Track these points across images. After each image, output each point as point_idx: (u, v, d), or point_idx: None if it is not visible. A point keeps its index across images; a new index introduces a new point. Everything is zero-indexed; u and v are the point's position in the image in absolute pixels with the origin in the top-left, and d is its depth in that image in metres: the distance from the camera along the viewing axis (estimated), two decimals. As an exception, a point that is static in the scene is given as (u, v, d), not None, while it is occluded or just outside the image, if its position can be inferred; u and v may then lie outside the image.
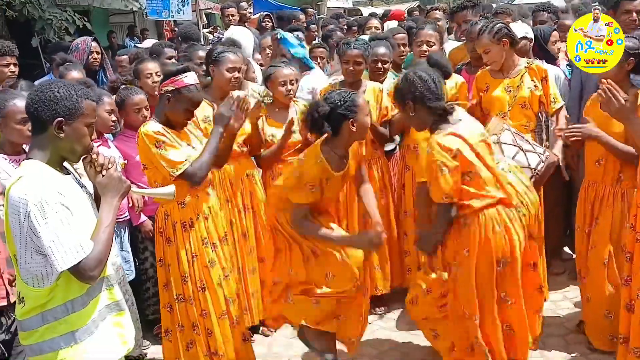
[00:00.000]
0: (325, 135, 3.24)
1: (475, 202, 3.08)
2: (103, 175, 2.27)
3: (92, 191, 2.38)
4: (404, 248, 4.38)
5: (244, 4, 7.35)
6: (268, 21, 7.64)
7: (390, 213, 4.32)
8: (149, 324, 4.19)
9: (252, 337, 4.17)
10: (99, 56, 5.49)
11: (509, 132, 3.79)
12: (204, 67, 4.18)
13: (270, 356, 4.03)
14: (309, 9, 10.35)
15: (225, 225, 3.60)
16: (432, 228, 3.27)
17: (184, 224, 3.32)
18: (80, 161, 2.30)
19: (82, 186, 2.35)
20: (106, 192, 2.26)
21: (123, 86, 4.20)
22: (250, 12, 7.60)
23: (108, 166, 2.28)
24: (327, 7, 17.27)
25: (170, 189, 2.74)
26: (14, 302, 2.49)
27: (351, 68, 4.12)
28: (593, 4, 3.10)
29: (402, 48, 4.78)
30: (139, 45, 8.79)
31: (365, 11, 12.98)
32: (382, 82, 4.38)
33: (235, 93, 3.94)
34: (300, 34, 6.13)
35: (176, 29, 10.16)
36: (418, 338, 3.91)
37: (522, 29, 4.50)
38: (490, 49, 3.98)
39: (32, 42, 8.77)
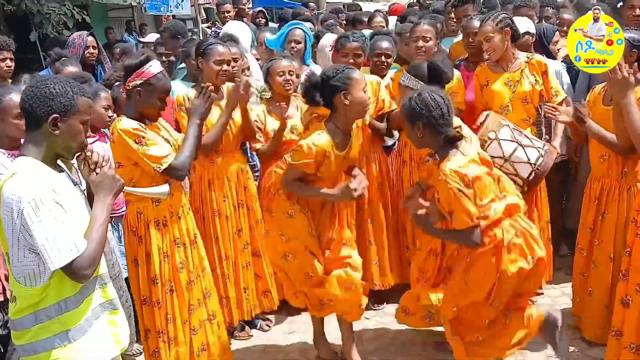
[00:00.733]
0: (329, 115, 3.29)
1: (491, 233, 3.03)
2: (97, 173, 2.25)
3: (84, 188, 2.36)
4: (403, 244, 4.37)
5: (243, -1, 7.34)
6: (262, 17, 7.64)
7: (389, 208, 4.32)
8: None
9: (250, 332, 4.18)
10: (96, 51, 5.45)
11: (507, 127, 3.78)
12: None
13: (268, 351, 4.03)
14: (311, 3, 10.32)
15: (195, 228, 3.53)
16: (451, 233, 3.14)
17: (157, 222, 3.27)
18: (75, 158, 2.28)
19: (76, 184, 2.33)
20: (99, 190, 2.24)
21: (117, 83, 4.18)
22: (249, 8, 7.57)
23: (102, 164, 2.26)
24: (327, 2, 17.23)
25: (164, 188, 2.71)
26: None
27: (350, 61, 4.10)
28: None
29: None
30: (142, 40, 8.77)
31: (365, 6, 12.92)
32: (383, 77, 4.37)
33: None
34: (311, 25, 6.10)
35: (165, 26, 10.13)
36: (416, 333, 3.91)
37: (524, 24, 4.49)
38: (492, 37, 3.97)
39: (30, 37, 8.75)
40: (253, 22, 7.38)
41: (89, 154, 2.27)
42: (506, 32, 3.99)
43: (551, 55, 4.71)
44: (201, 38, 6.65)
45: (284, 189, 3.44)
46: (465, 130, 3.32)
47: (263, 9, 7.88)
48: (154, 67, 3.17)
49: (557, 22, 5.33)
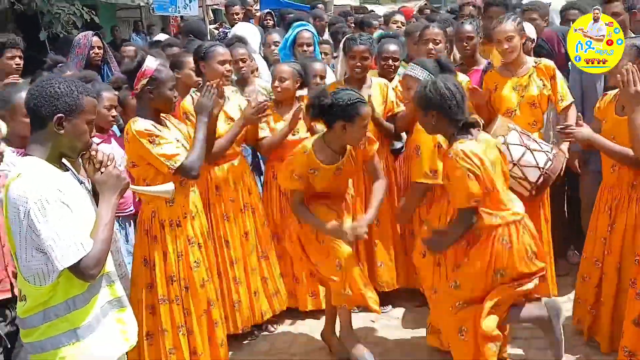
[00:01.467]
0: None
1: (488, 219, 3.07)
2: (102, 173, 2.26)
3: (90, 187, 2.37)
4: (409, 246, 4.36)
5: (250, 0, 7.35)
6: (269, 19, 7.64)
7: (396, 211, 4.31)
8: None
9: (255, 334, 4.18)
10: (101, 51, 5.45)
11: (516, 131, 3.77)
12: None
13: (274, 352, 4.02)
14: (319, 5, 10.32)
15: (207, 228, 3.58)
16: (448, 231, 3.24)
17: (171, 222, 3.30)
18: (80, 157, 2.29)
19: (81, 182, 2.33)
20: (104, 190, 2.25)
21: (126, 86, 4.20)
22: (256, 10, 7.59)
23: (107, 163, 2.27)
24: (334, 5, 17.23)
25: (169, 186, 2.72)
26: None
27: (358, 63, 4.11)
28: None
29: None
30: (151, 39, 8.78)
31: (372, 9, 12.93)
32: (391, 80, 4.37)
33: (252, 96, 4.02)
34: (311, 27, 6.10)
35: (182, 24, 10.15)
36: (422, 337, 3.90)
37: (527, 30, 4.48)
38: (512, 37, 3.96)
39: (40, 36, 8.79)
40: (261, 24, 7.39)
41: (93, 153, 2.28)
42: (523, 35, 4.02)
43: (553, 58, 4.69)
44: (208, 39, 6.66)
45: (294, 213, 3.56)
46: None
47: (271, 11, 7.88)
48: (150, 62, 3.20)
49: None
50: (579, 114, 3.83)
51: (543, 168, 3.71)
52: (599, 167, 3.71)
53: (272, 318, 4.24)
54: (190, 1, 10.22)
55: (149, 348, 3.38)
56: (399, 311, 4.38)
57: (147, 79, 3.18)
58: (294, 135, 4.02)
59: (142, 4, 11.93)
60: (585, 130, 3.43)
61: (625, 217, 3.42)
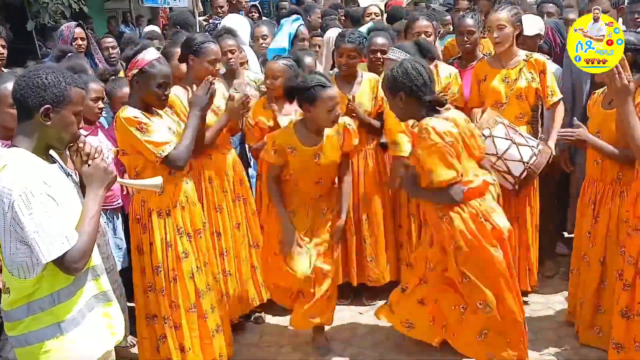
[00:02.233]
0: None
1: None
2: (89, 165, 2.24)
3: (77, 180, 2.35)
4: (399, 240, 4.36)
5: (240, -9, 7.29)
6: (254, 12, 7.60)
7: (385, 204, 4.31)
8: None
9: (244, 324, 4.18)
10: (84, 42, 5.39)
11: (502, 125, 3.78)
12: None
13: (262, 343, 4.03)
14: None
15: (205, 217, 3.59)
16: (432, 192, 3.24)
17: (160, 212, 3.28)
18: (67, 149, 2.26)
19: (69, 174, 2.31)
20: (92, 182, 2.23)
21: (112, 78, 4.16)
22: (247, 1, 7.53)
23: (94, 155, 2.25)
24: (325, -3, 17.13)
25: (158, 180, 2.70)
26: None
27: (344, 61, 4.11)
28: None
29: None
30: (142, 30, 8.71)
31: (363, 2, 12.85)
32: (380, 73, 4.36)
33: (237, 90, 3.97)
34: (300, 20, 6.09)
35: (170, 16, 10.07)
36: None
37: (536, 25, 4.47)
38: (504, 27, 3.96)
39: (27, 26, 8.70)
40: (246, 16, 7.34)
41: (81, 145, 2.25)
42: (516, 26, 4.00)
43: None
44: (198, 31, 6.61)
45: (267, 189, 3.69)
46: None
47: (256, 4, 7.85)
48: (148, 54, 3.18)
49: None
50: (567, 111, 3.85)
51: (527, 163, 3.72)
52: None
53: (260, 309, 4.23)
54: (179, -8, 10.13)
55: (149, 330, 3.40)
56: (388, 304, 4.38)
57: (137, 69, 3.16)
58: None
59: (130, -5, 11.84)
60: (585, 132, 3.45)
61: (609, 210, 3.45)
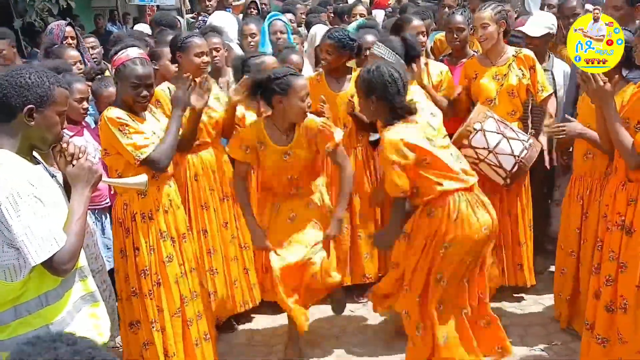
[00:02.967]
0: None
1: (437, 187, 3.08)
2: (73, 165, 2.21)
3: (61, 181, 2.32)
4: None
5: (227, -11, 7.23)
6: (253, 9, 7.53)
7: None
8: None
9: (235, 326, 4.16)
10: (74, 41, 5.35)
11: (493, 119, 3.79)
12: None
13: (253, 344, 4.01)
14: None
15: (187, 221, 3.55)
16: (389, 224, 3.30)
17: (143, 215, 3.24)
18: (51, 150, 2.24)
19: (53, 175, 2.28)
20: (77, 183, 2.20)
21: (99, 77, 4.12)
22: None
23: (79, 156, 2.22)
24: (313, -6, 17.10)
25: (142, 178, 2.67)
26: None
27: (323, 57, 4.13)
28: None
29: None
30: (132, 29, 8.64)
31: (351, -1, 12.80)
32: None
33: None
34: (291, 16, 6.07)
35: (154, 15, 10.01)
36: (401, 326, 3.90)
37: (543, 23, 4.42)
38: (487, 25, 3.97)
39: (14, 25, 8.59)
40: (245, 13, 7.28)
41: (65, 145, 2.23)
42: (501, 24, 4.01)
43: None
44: (185, 29, 6.57)
45: (233, 185, 3.68)
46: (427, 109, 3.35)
47: (255, 0, 7.74)
48: (126, 53, 3.14)
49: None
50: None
51: (518, 156, 3.73)
52: None
53: (249, 311, 4.20)
54: (167, -10, 10.09)
55: (131, 337, 3.34)
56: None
57: (115, 68, 3.15)
58: None
59: (118, -8, 11.74)
60: (576, 125, 3.44)
61: (598, 206, 3.45)
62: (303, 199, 3.57)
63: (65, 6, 8.96)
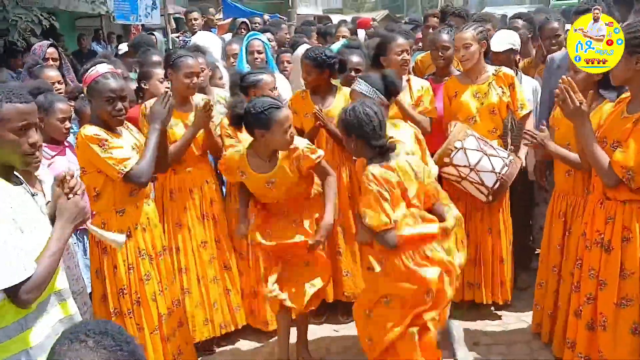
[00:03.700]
0: None
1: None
2: (68, 198, 2.18)
3: (44, 202, 2.29)
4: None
5: (212, 9, 7.29)
6: (244, 29, 7.55)
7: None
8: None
9: (214, 349, 4.09)
10: (56, 63, 5.35)
11: (473, 137, 3.83)
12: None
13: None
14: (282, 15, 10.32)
15: (164, 239, 3.56)
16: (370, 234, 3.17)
17: (121, 233, 3.21)
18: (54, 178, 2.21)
19: (33, 195, 2.24)
20: (63, 217, 2.16)
21: (82, 95, 4.12)
22: (218, 19, 7.52)
23: (77, 192, 2.19)
24: (297, 14, 17.25)
25: (121, 238, 2.62)
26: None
27: (303, 76, 4.17)
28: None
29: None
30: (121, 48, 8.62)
31: (335, 19, 12.97)
32: None
33: (197, 97, 3.92)
34: (270, 35, 6.11)
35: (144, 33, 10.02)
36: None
37: (507, 40, 4.53)
38: (470, 45, 4.04)
39: (-4, 45, 8.56)
40: (235, 33, 7.29)
41: (68, 177, 2.19)
42: (482, 44, 4.09)
43: None
44: (170, 48, 6.60)
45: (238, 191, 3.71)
46: (402, 141, 3.36)
47: (246, 20, 7.72)
48: (96, 70, 3.15)
49: (530, 34, 5.30)
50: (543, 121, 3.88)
51: (499, 173, 3.77)
52: None
53: (231, 334, 4.15)
54: (151, 9, 10.16)
55: None
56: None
57: (87, 85, 3.15)
58: None
59: (102, 12, 11.73)
60: (546, 137, 3.48)
61: (581, 223, 3.48)
62: (292, 216, 3.57)
63: (48, 26, 8.91)
